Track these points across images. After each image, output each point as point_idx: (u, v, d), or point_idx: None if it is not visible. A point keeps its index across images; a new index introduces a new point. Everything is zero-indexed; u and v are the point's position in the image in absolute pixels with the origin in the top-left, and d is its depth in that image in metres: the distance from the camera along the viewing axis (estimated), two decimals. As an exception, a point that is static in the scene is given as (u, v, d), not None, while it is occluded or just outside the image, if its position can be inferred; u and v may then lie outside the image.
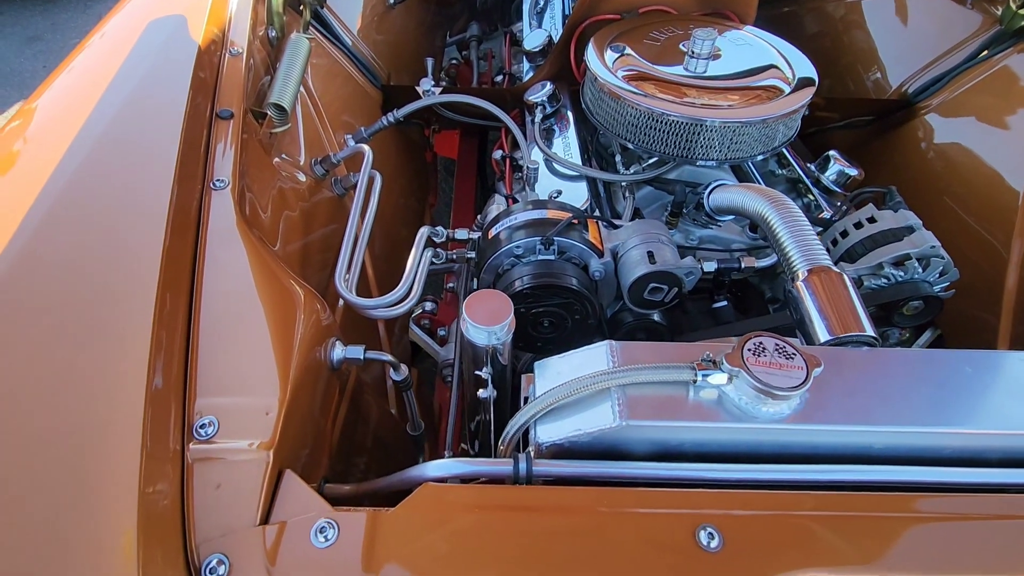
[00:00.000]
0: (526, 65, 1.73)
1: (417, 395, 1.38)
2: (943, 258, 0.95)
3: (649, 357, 0.63)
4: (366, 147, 1.12)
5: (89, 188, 0.73)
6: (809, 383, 0.57)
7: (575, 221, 0.96)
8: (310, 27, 1.39)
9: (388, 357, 0.78)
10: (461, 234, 1.14)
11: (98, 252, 0.67)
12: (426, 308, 1.39)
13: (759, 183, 1.34)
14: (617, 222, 1.09)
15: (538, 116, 1.42)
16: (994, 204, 1.35)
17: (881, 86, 1.83)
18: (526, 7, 1.88)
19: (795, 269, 0.76)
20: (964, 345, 1.37)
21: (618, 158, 1.30)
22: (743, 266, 1.06)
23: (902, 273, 0.95)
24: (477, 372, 0.72)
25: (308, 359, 0.69)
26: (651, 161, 1.20)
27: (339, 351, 0.75)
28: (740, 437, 0.60)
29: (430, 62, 1.59)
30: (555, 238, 0.92)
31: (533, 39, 1.66)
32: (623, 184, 1.24)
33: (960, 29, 1.61)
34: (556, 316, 0.92)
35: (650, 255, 0.90)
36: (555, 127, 1.48)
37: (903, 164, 1.63)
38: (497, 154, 1.54)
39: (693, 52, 1.19)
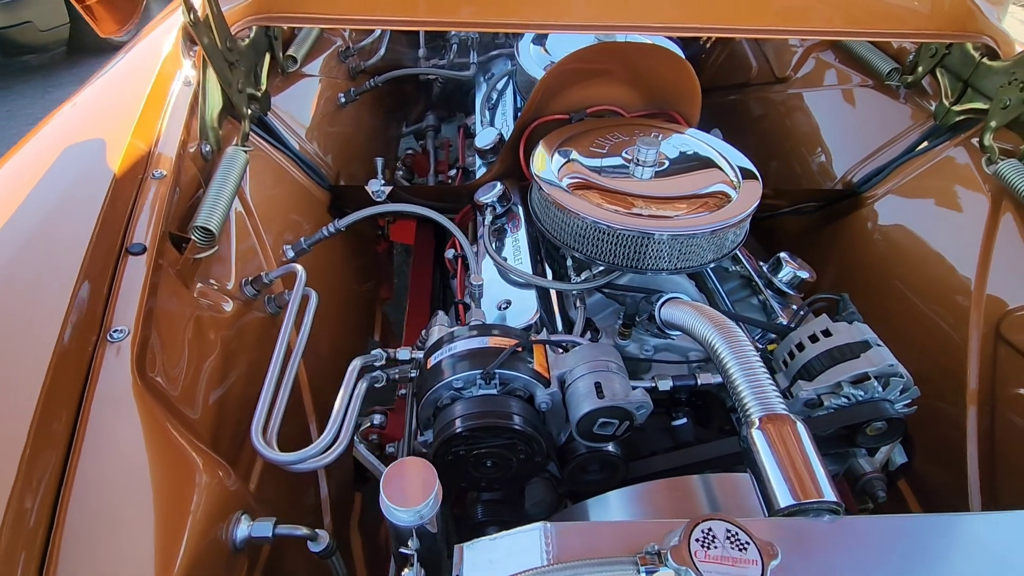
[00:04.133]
0: (478, 161, 1.73)
1: (361, 523, 1.27)
2: (902, 376, 0.91)
3: (588, 542, 0.56)
4: (298, 267, 1.06)
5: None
6: (765, 583, 0.50)
7: (519, 349, 0.90)
8: (252, 136, 1.36)
9: (302, 531, 0.69)
10: (403, 354, 1.08)
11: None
12: (374, 422, 1.30)
13: (713, 282, 1.32)
14: (568, 338, 1.04)
15: (487, 218, 1.39)
16: (946, 291, 1.34)
17: (826, 170, 1.87)
18: (478, 102, 1.90)
19: (749, 414, 0.71)
20: (930, 440, 1.33)
21: (569, 262, 1.26)
22: (700, 383, 1.01)
23: (862, 393, 0.91)
24: (402, 550, 0.64)
25: (200, 548, 0.59)
26: (601, 269, 1.17)
27: (244, 528, 0.66)
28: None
29: (379, 162, 1.57)
30: (496, 371, 0.86)
31: (484, 137, 1.66)
32: (574, 292, 1.20)
33: (898, 121, 1.67)
34: (499, 457, 0.85)
35: (598, 387, 0.84)
36: (507, 227, 1.45)
37: (853, 251, 1.64)
38: (449, 253, 1.50)
39: (638, 160, 1.18)
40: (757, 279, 1.25)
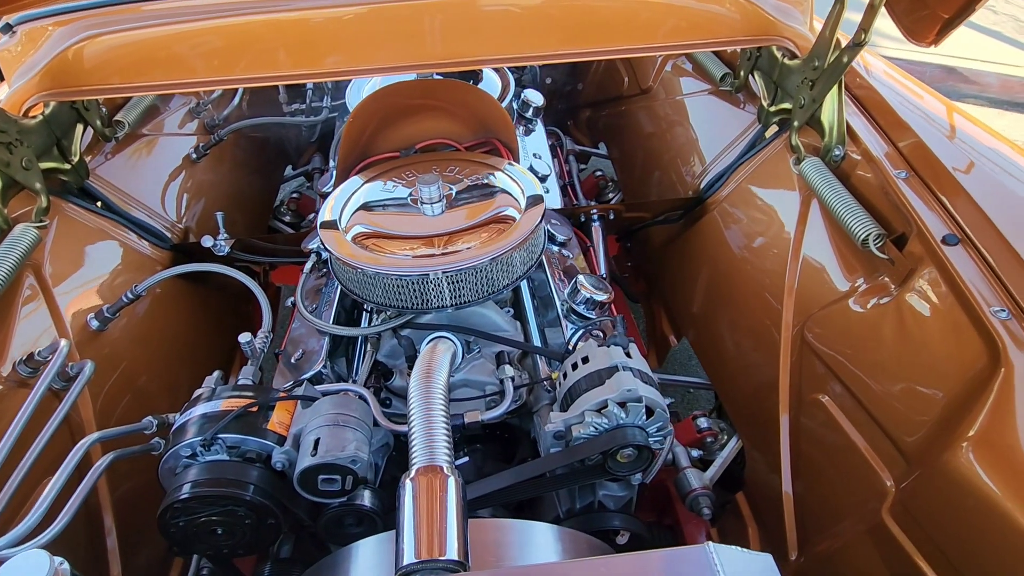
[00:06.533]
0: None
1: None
2: (640, 401, 0.90)
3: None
4: (62, 341, 1.05)
5: None
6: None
7: (253, 409, 0.89)
8: (68, 207, 1.36)
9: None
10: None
11: None
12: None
13: (527, 310, 1.31)
14: (339, 387, 1.03)
15: (308, 265, 1.39)
16: (767, 297, 1.33)
17: (694, 176, 1.88)
18: (333, 145, 1.91)
19: (411, 464, 0.70)
20: (758, 452, 1.31)
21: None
22: (466, 422, 0.99)
23: (606, 421, 0.90)
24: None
25: None
26: (390, 312, 1.16)
27: None
28: None
29: (220, 216, 1.57)
30: (220, 436, 0.85)
31: (325, 180, 1.67)
32: (370, 337, 1.19)
33: (736, 125, 1.67)
34: (225, 524, 0.84)
35: (316, 444, 0.83)
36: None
37: (707, 258, 1.64)
38: (288, 301, 1.50)
39: (421, 200, 1.18)
40: (560, 306, 1.24)
